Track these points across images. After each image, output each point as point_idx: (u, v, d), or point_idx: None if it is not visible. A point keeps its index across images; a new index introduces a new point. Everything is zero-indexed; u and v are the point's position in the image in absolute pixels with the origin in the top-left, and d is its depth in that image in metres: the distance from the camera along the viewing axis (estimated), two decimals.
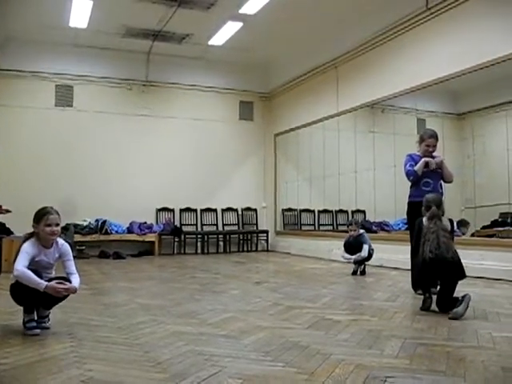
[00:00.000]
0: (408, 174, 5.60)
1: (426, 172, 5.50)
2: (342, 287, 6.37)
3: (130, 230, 11.07)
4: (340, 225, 11.60)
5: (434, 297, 4.51)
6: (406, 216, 5.75)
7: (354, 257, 7.30)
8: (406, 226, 6.40)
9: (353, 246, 7.33)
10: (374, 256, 7.39)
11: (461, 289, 4.47)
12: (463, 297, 4.24)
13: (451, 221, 4.70)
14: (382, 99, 9.17)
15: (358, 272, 7.33)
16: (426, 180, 5.50)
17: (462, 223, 7.97)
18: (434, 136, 5.60)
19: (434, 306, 4.48)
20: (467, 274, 4.53)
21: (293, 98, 12.03)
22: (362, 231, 7.47)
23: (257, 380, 2.66)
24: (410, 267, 5.49)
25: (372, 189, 10.24)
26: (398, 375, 2.71)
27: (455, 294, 4.38)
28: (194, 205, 12.12)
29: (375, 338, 3.56)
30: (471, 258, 6.50)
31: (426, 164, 5.49)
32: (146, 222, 11.37)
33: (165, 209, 11.86)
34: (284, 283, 6.60)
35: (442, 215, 4.61)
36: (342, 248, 7.49)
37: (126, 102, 11.66)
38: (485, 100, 9.04)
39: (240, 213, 12.63)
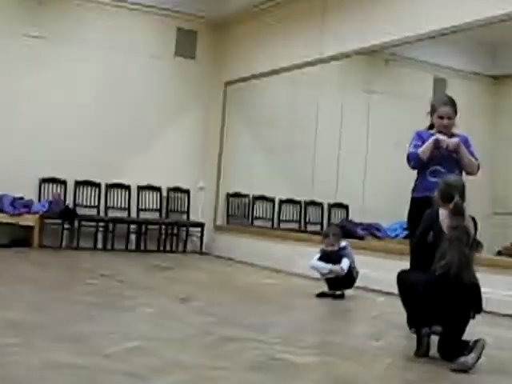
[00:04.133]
0: (408, 157, 5.61)
1: (436, 157, 5.48)
2: (306, 314, 6.42)
3: None
4: (310, 223, 11.71)
5: (436, 338, 4.59)
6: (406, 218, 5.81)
7: (330, 267, 7.33)
8: (406, 233, 6.48)
9: (330, 260, 7.37)
10: (357, 279, 7.49)
11: (475, 330, 4.55)
12: (476, 342, 4.30)
13: (474, 221, 4.72)
14: (387, 44, 9.19)
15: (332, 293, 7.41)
16: (434, 168, 5.48)
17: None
18: (449, 104, 5.58)
19: (434, 351, 4.56)
20: (487, 308, 4.61)
21: (256, 30, 11.97)
22: (344, 244, 7.50)
23: None
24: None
25: (362, 175, 10.34)
26: None
27: (466, 337, 4.46)
28: (97, 177, 12.01)
29: None
30: (494, 287, 6.62)
31: (437, 143, 5.48)
32: (22, 198, 11.20)
33: (53, 179, 11.70)
34: (221, 302, 6.64)
35: None
36: (315, 256, 7.51)
37: (11, 17, 11.40)
38: None
39: (165, 194, 12.62)
